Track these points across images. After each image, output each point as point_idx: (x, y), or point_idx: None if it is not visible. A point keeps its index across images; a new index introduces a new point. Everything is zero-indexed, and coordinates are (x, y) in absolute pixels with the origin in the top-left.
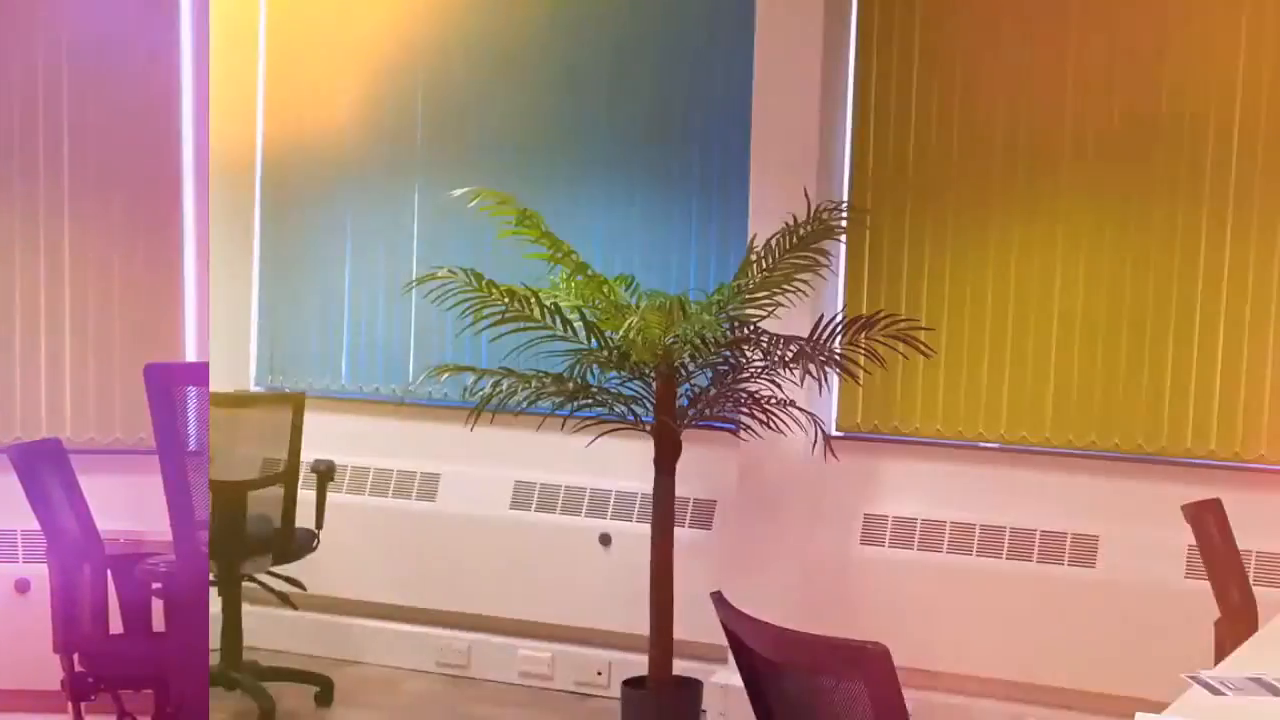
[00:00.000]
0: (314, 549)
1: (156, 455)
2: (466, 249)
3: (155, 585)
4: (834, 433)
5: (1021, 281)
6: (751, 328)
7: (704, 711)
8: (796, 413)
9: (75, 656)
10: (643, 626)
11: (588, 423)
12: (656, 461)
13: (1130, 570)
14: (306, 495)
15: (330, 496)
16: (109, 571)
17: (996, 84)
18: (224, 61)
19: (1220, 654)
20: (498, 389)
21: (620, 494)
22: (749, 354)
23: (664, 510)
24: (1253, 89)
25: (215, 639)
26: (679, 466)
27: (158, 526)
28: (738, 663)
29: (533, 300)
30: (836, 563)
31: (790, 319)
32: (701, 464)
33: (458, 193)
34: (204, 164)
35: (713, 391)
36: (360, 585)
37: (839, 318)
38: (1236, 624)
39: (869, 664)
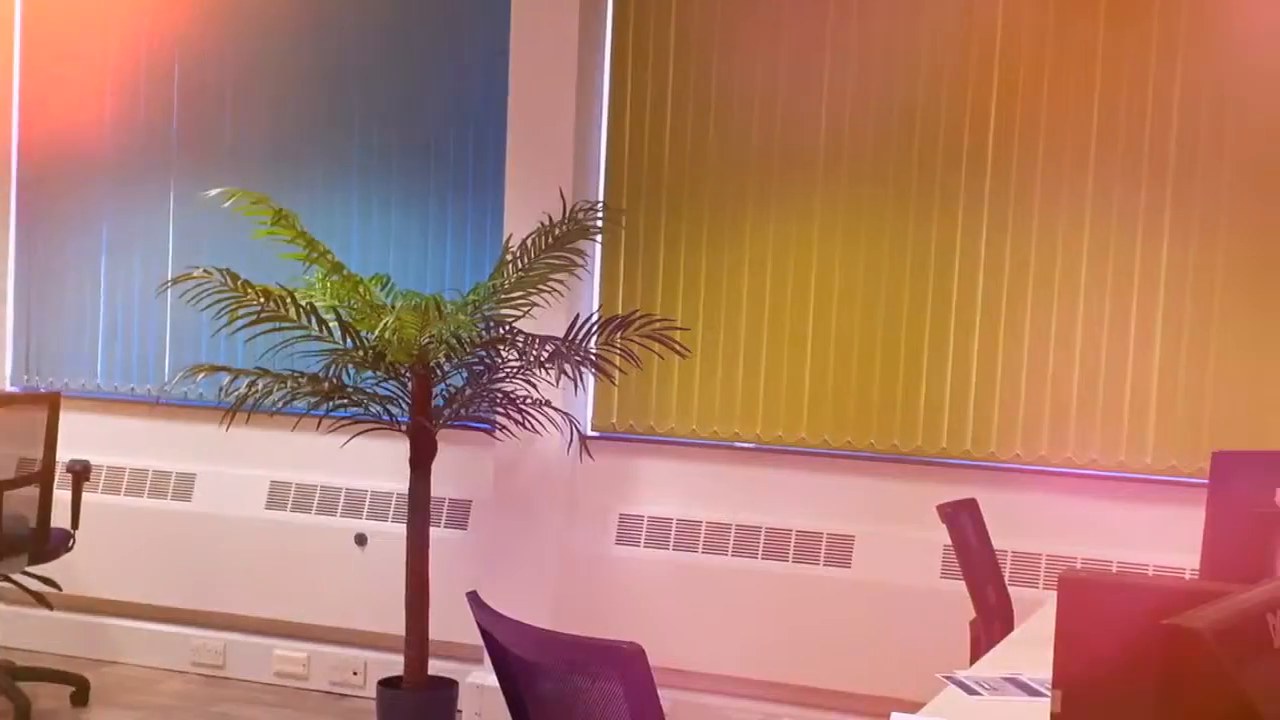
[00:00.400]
0: (70, 549)
1: None
2: (223, 249)
3: None
4: (589, 433)
5: (777, 281)
6: (507, 328)
7: (460, 711)
8: (552, 413)
9: None
10: (398, 626)
11: (343, 423)
12: (412, 461)
13: (886, 570)
14: (62, 495)
15: (86, 496)
16: None
17: (753, 84)
18: None
19: (976, 654)
20: (253, 389)
21: (376, 494)
22: (505, 354)
23: (420, 510)
24: (1008, 89)
25: None
26: (435, 466)
27: None
28: (493, 663)
29: (288, 300)
30: (592, 563)
31: (546, 319)
32: (457, 464)
33: (213, 192)
34: None
35: (468, 391)
36: (116, 585)
37: (594, 318)
38: (992, 624)
39: (624, 664)
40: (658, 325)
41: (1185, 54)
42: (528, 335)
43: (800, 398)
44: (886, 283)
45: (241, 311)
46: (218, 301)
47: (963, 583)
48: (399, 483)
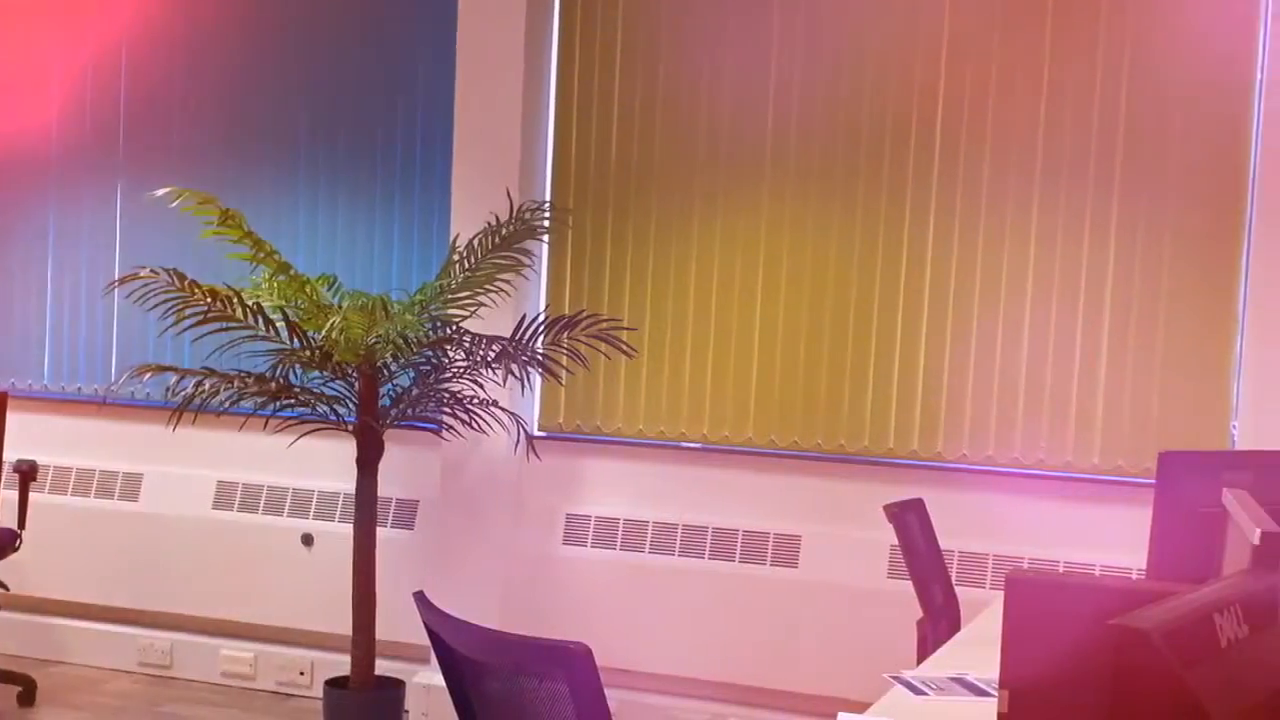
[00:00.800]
0: (16, 549)
1: None
2: (170, 249)
3: None
4: (536, 433)
5: (724, 281)
6: (454, 328)
7: (407, 712)
8: (499, 413)
9: None
10: (345, 627)
11: (290, 423)
12: (359, 461)
13: (833, 570)
14: (8, 495)
15: (33, 496)
16: None
17: (699, 83)
18: None
19: (922, 654)
20: (200, 389)
21: (323, 494)
22: (451, 354)
23: (366, 510)
24: (955, 88)
25: None
26: (381, 466)
27: None
28: (440, 663)
29: (235, 300)
30: (539, 563)
31: (493, 319)
32: (404, 464)
33: (160, 193)
34: None
35: (415, 392)
36: (63, 585)
37: (541, 317)
38: (939, 624)
39: (571, 663)
40: (605, 325)
41: (1131, 58)
42: (475, 335)
43: (747, 397)
44: (833, 283)
45: (188, 311)
46: (164, 301)
47: (909, 583)
48: (346, 483)
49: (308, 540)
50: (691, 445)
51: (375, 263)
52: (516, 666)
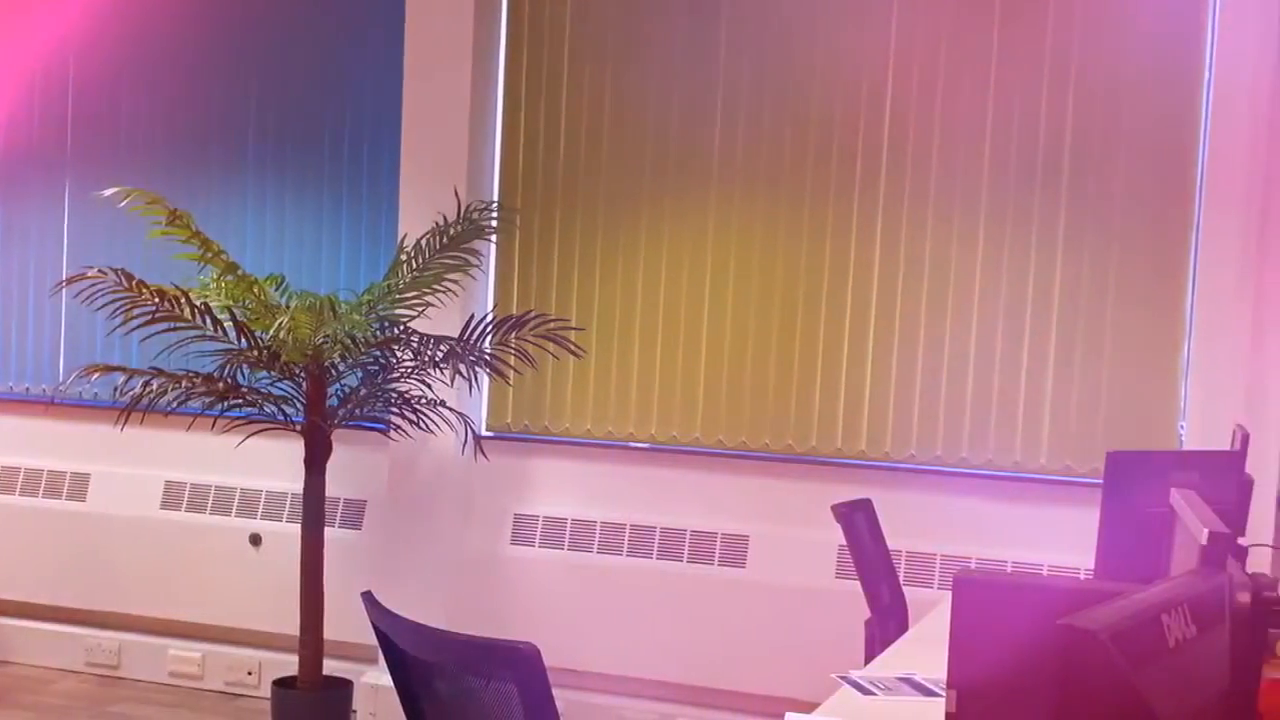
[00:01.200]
0: None
1: None
2: (118, 249)
3: None
4: (484, 433)
5: (671, 281)
6: (402, 328)
7: (354, 711)
8: (447, 413)
9: None
10: (293, 627)
11: (238, 423)
12: (307, 461)
13: (781, 570)
14: None
15: None
16: None
17: (648, 84)
18: None
19: (870, 654)
20: (148, 389)
21: (271, 494)
22: (399, 354)
23: (314, 510)
24: (903, 92)
25: None
26: (329, 466)
27: None
28: (388, 663)
29: (183, 300)
30: (487, 563)
31: (441, 319)
32: (352, 464)
33: (108, 192)
34: None
35: (363, 391)
36: (10, 585)
37: (489, 317)
38: (886, 624)
39: (520, 664)
40: (552, 325)
41: (1079, 62)
42: (422, 335)
43: (695, 397)
44: (781, 283)
45: (136, 311)
46: (112, 301)
47: (857, 583)
48: (294, 483)
49: (255, 540)
50: (639, 445)
51: (323, 263)
52: (465, 667)
